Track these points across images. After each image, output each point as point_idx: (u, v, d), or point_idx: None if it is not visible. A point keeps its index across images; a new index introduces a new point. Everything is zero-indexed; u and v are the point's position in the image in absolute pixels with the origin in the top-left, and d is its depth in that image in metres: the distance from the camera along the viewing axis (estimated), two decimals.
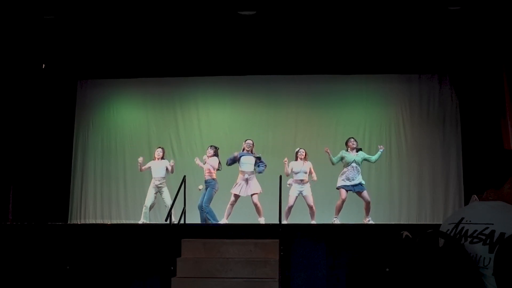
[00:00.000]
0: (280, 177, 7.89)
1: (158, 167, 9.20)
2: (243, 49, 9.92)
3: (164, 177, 9.15)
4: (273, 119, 10.83)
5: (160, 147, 9.48)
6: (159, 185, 9.10)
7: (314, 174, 8.83)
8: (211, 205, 8.83)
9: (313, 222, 8.66)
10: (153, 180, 9.15)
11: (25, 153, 10.21)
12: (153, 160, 9.35)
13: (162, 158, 9.29)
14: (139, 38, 9.56)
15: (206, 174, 8.86)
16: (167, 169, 9.16)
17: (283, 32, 9.32)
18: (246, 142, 8.92)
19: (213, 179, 8.81)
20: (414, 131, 10.66)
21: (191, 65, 10.48)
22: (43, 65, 10.37)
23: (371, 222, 8.62)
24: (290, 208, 8.71)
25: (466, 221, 2.00)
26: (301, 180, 8.75)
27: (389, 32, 9.18)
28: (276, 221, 7.24)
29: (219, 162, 8.94)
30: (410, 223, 9.91)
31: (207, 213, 8.73)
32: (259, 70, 10.58)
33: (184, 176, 8.14)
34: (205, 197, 8.78)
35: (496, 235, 1.87)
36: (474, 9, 8.36)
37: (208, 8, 8.49)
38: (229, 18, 8.76)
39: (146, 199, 9.17)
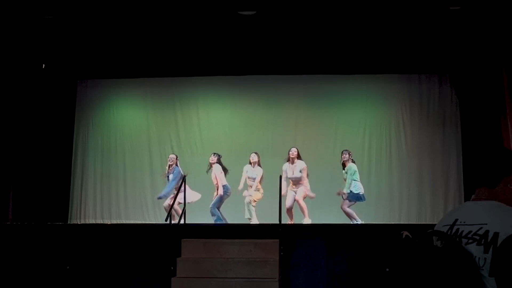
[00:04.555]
0: (280, 177, 7.88)
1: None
2: (243, 49, 9.91)
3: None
4: (273, 119, 10.82)
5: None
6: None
7: (306, 182, 8.61)
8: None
9: (306, 219, 8.56)
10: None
11: (25, 153, 10.20)
12: None
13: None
14: (139, 38, 9.56)
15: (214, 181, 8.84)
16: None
17: (283, 32, 9.31)
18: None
19: (223, 185, 8.77)
20: (414, 131, 10.65)
21: (191, 65, 10.47)
22: (43, 65, 10.36)
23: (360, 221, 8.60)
24: (289, 209, 8.62)
25: (460, 222, 2.00)
26: (292, 181, 8.68)
27: (389, 32, 9.17)
28: (276, 221, 7.23)
29: (222, 168, 8.88)
30: (410, 223, 9.89)
31: (212, 215, 8.72)
32: (259, 70, 10.56)
33: (184, 176, 8.16)
34: (214, 200, 8.80)
35: (490, 235, 1.86)
36: (474, 9, 8.36)
37: (208, 8, 8.48)
38: (229, 18, 8.75)
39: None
